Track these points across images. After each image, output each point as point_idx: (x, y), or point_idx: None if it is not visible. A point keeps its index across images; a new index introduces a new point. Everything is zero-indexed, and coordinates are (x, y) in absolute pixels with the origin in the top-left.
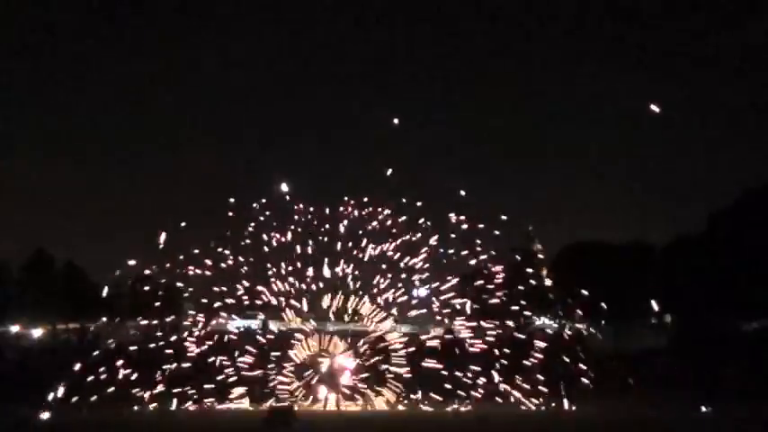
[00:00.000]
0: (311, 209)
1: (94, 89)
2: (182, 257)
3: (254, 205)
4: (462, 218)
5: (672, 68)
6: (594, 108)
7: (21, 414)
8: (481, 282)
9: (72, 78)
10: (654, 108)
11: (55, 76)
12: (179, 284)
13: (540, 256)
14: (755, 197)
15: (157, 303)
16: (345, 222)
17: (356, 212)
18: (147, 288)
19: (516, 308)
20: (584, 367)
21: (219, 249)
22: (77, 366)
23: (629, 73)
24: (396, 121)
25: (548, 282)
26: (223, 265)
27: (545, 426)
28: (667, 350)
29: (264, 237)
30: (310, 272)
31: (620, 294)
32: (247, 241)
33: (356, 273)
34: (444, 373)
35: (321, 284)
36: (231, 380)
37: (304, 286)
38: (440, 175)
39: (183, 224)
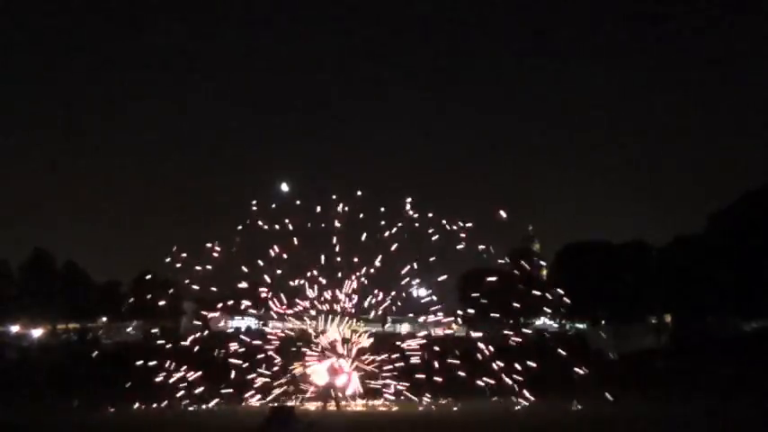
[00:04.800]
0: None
1: (95, 89)
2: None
3: (253, 207)
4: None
5: (672, 68)
6: (595, 108)
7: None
8: (481, 281)
9: (74, 79)
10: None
11: (58, 76)
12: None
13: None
14: (755, 197)
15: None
16: (342, 223)
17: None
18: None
19: (516, 308)
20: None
21: (217, 248)
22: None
23: (630, 73)
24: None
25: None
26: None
27: (541, 424)
28: (666, 350)
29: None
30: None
31: (620, 294)
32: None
33: (357, 272)
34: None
35: (321, 284)
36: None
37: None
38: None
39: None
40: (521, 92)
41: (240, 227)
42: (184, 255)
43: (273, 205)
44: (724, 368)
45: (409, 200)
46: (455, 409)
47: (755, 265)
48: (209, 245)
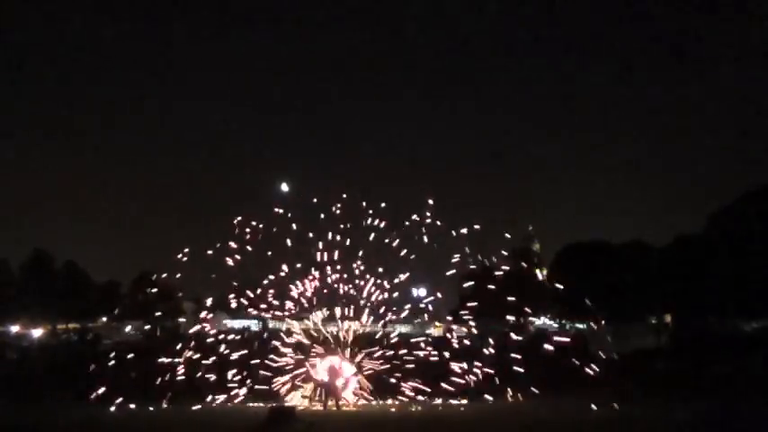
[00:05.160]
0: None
1: (96, 89)
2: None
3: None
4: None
5: (671, 68)
6: (594, 107)
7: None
8: (480, 281)
9: (74, 80)
10: None
11: (57, 78)
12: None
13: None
14: (755, 197)
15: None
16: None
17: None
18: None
19: (515, 308)
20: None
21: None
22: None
23: (629, 72)
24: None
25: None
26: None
27: (540, 424)
28: (666, 350)
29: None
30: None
31: (620, 294)
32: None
33: (354, 272)
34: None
35: (320, 284)
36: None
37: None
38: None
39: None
40: (521, 92)
41: (219, 245)
42: (184, 259)
43: (274, 216)
44: (724, 368)
45: (431, 201)
46: (461, 408)
47: (755, 265)
48: (181, 254)
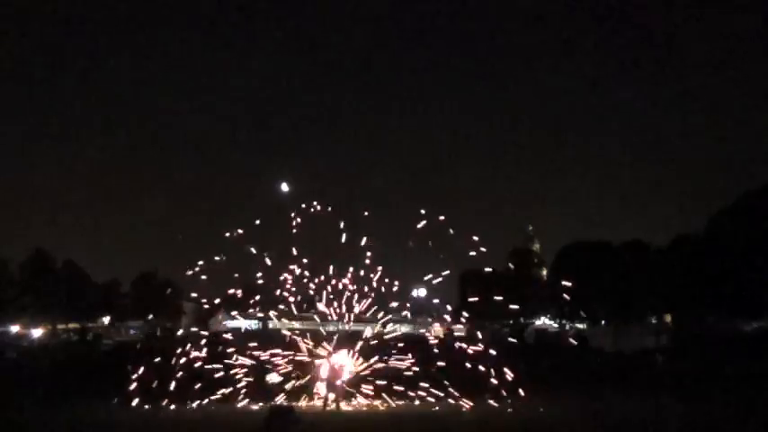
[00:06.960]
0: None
1: (96, 90)
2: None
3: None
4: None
5: (671, 68)
6: (595, 108)
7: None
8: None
9: (75, 80)
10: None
11: (57, 78)
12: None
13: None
14: (755, 197)
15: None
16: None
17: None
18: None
19: (516, 307)
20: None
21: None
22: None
23: (629, 72)
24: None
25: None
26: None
27: (540, 425)
28: (666, 350)
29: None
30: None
31: (620, 294)
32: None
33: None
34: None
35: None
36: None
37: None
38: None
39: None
40: (521, 92)
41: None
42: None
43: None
44: (724, 368)
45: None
46: (463, 409)
47: (756, 265)
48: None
